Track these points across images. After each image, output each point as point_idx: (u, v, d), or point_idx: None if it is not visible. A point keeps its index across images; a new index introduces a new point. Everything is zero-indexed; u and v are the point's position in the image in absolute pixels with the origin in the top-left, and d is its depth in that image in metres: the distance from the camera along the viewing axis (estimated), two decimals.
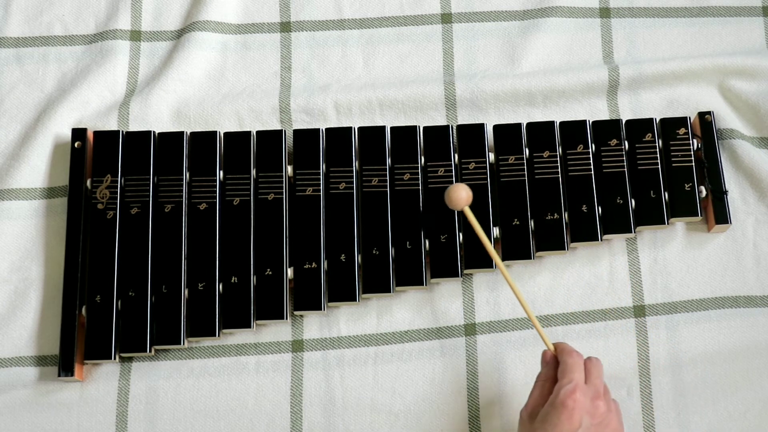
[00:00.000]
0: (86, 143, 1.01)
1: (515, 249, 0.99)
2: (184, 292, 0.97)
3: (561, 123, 1.03)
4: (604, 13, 1.11)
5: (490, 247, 0.93)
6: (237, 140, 1.02)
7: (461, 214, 0.98)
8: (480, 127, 1.02)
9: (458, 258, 0.98)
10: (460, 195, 0.94)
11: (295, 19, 1.11)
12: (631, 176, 1.01)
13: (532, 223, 1.00)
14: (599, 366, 0.87)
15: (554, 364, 0.87)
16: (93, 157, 1.01)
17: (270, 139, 1.02)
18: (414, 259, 0.98)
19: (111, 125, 1.04)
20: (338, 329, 0.99)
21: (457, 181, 1.01)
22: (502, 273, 0.92)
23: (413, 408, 0.97)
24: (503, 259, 0.99)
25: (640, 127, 1.03)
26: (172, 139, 1.02)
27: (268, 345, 0.99)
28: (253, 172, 1.01)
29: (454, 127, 1.03)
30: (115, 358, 0.96)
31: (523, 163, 1.01)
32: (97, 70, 1.06)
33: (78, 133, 1.01)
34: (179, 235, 0.99)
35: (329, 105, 1.05)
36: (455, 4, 1.11)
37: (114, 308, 0.96)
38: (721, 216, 1.00)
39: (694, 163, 1.01)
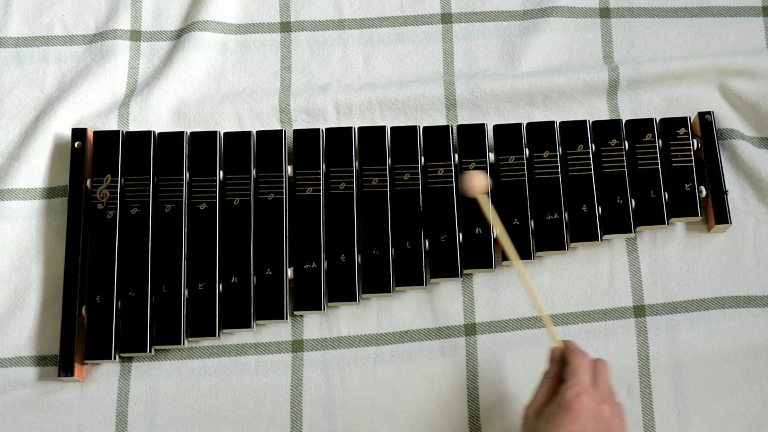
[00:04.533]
0: (86, 143, 1.01)
1: (515, 249, 0.99)
2: (184, 292, 0.97)
3: (561, 123, 1.03)
4: (604, 13, 1.11)
5: (506, 238, 0.93)
6: (237, 140, 1.02)
7: (459, 215, 0.99)
8: (480, 127, 1.02)
9: (458, 258, 0.98)
10: (474, 183, 0.94)
11: (295, 19, 1.11)
12: (631, 176, 1.01)
13: (532, 223, 1.00)
14: (607, 368, 0.87)
15: (561, 363, 0.87)
16: (93, 157, 1.01)
17: (270, 139, 1.02)
18: (414, 259, 0.98)
19: (111, 125, 1.04)
20: (338, 329, 0.99)
21: (456, 182, 1.01)
22: (515, 264, 0.92)
23: (413, 408, 0.97)
24: (503, 260, 0.99)
25: (640, 127, 1.03)
26: (172, 139, 1.02)
27: (268, 345, 0.99)
28: (253, 172, 1.01)
29: (454, 127, 1.03)
30: (115, 358, 0.96)
31: (523, 163, 1.01)
32: (97, 70, 1.06)
33: (78, 133, 1.01)
34: (179, 235, 0.99)
35: (329, 105, 1.05)
36: (455, 4, 1.11)
37: (114, 308, 0.96)
38: (721, 216, 1.00)
39: (694, 163, 1.01)
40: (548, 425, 0.81)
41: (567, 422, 0.80)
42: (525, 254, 0.99)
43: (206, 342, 0.99)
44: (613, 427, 0.83)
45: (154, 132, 1.02)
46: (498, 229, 0.94)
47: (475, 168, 1.01)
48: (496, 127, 1.03)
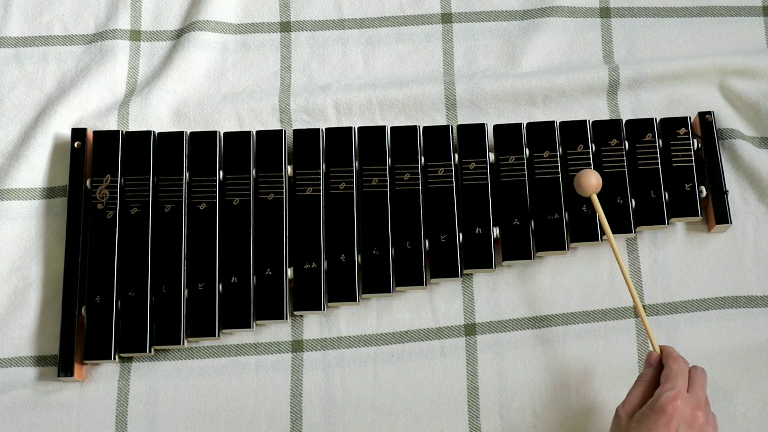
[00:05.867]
0: (86, 143, 1.01)
1: (515, 249, 0.99)
2: (184, 292, 0.97)
3: (561, 123, 1.03)
4: (604, 13, 1.11)
5: (612, 239, 0.93)
6: (237, 140, 1.02)
7: (459, 215, 0.99)
8: (480, 127, 1.02)
9: (458, 258, 0.98)
10: (590, 181, 0.95)
11: (295, 19, 1.11)
12: (631, 176, 1.01)
13: (532, 223, 0.99)
14: (704, 376, 0.87)
15: (658, 367, 0.87)
16: (93, 157, 1.01)
17: (270, 139, 1.02)
18: (414, 259, 0.98)
19: (111, 125, 1.04)
20: (338, 329, 0.99)
21: (456, 182, 1.01)
22: (625, 277, 0.92)
23: (413, 408, 0.97)
24: (504, 259, 0.99)
25: (640, 127, 1.03)
26: (172, 139, 1.02)
27: (268, 345, 0.99)
28: (253, 172, 1.01)
29: (454, 127, 1.03)
30: (114, 359, 0.96)
31: (523, 163, 1.01)
32: (96, 70, 1.06)
33: (78, 133, 1.01)
34: (179, 235, 0.99)
35: (329, 105, 1.05)
36: (455, 4, 1.11)
37: (114, 308, 0.96)
38: (722, 216, 1.00)
39: (694, 163, 1.01)
40: (640, 426, 0.81)
41: (660, 425, 0.80)
42: (525, 254, 0.99)
43: (206, 342, 0.99)
44: None
45: (153, 132, 1.02)
46: (607, 232, 0.94)
47: (476, 168, 1.01)
48: (496, 127, 1.03)
